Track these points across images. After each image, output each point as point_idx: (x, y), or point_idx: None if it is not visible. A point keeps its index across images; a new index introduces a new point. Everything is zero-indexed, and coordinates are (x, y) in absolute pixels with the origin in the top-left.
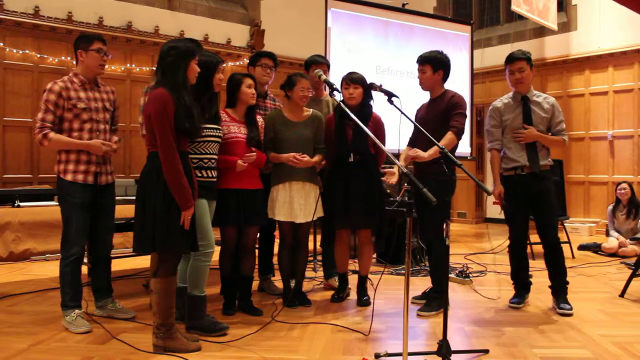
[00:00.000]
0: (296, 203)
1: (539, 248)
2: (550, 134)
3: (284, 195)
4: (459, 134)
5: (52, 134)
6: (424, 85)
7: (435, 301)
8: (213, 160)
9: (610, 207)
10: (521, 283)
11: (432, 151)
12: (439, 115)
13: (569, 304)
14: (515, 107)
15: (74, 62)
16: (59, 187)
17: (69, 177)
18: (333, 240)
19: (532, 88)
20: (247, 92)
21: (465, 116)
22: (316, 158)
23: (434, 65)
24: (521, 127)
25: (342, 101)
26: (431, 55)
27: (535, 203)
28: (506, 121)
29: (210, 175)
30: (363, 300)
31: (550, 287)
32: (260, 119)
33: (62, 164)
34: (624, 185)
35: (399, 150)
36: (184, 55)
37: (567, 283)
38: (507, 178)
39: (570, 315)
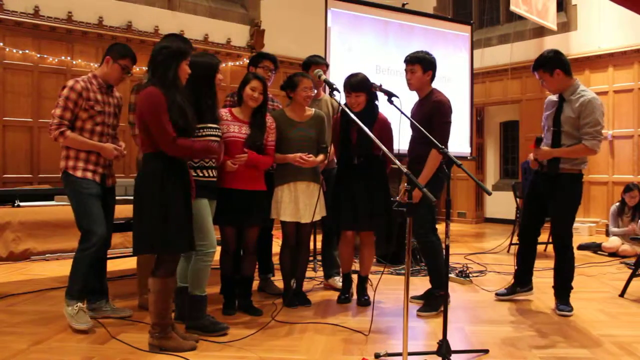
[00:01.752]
0: (301, 203)
1: (538, 248)
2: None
3: (289, 196)
4: (439, 148)
5: (68, 132)
6: (412, 85)
7: (434, 301)
8: (214, 160)
9: (614, 207)
10: (517, 276)
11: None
12: (424, 118)
13: (570, 306)
14: (554, 105)
15: (94, 65)
16: (68, 182)
17: (78, 173)
18: (333, 241)
19: (574, 85)
20: (248, 94)
21: (448, 123)
22: (320, 157)
23: (424, 66)
24: (551, 126)
25: (345, 104)
26: (421, 55)
27: (549, 205)
28: (544, 117)
29: (210, 174)
30: (363, 300)
31: (553, 287)
32: (269, 120)
33: (72, 160)
34: (636, 192)
35: (399, 150)
36: (175, 55)
37: (571, 288)
38: (535, 171)
39: (568, 316)
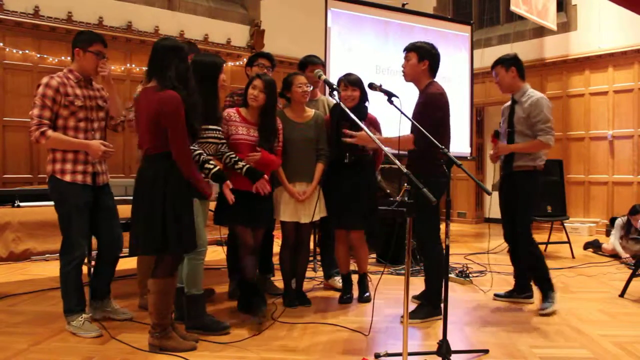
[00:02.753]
0: (300, 203)
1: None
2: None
3: (287, 196)
4: (421, 144)
5: (50, 132)
6: (406, 75)
7: (424, 308)
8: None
9: (621, 221)
10: (515, 280)
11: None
12: (417, 113)
13: (549, 301)
14: (508, 109)
15: (70, 58)
16: (55, 188)
17: (67, 177)
18: (330, 240)
19: (524, 88)
20: (250, 93)
21: (435, 118)
22: (318, 173)
23: (420, 54)
24: (507, 127)
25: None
26: (418, 44)
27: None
28: (501, 122)
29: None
30: (364, 297)
31: (534, 284)
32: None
33: (59, 163)
34: None
35: (398, 150)
36: (185, 56)
37: (545, 282)
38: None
39: (547, 315)
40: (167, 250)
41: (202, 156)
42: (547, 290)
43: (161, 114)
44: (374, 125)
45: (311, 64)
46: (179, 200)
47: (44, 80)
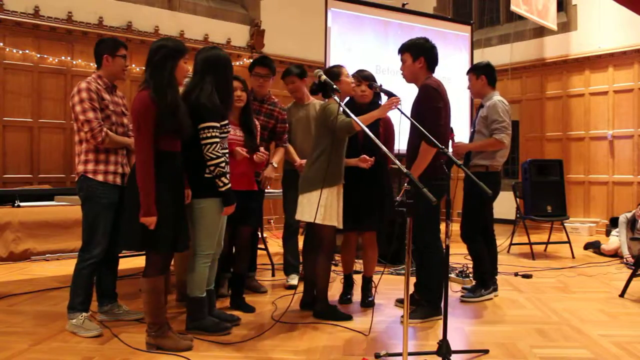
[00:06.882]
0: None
1: (538, 248)
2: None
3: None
4: (430, 141)
5: (107, 130)
6: (405, 77)
7: (422, 308)
8: (227, 155)
9: (625, 217)
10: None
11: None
12: (414, 108)
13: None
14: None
15: (94, 65)
16: (86, 187)
17: (100, 177)
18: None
19: (492, 94)
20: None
21: (437, 108)
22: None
23: (413, 53)
24: (471, 127)
25: (350, 100)
26: (409, 42)
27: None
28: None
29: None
30: (367, 302)
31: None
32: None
33: (91, 163)
34: None
35: (399, 150)
36: (172, 54)
37: (487, 274)
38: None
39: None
40: (157, 250)
41: (218, 169)
42: (486, 281)
43: (132, 113)
44: (389, 126)
45: (288, 75)
46: (161, 198)
47: (83, 85)
